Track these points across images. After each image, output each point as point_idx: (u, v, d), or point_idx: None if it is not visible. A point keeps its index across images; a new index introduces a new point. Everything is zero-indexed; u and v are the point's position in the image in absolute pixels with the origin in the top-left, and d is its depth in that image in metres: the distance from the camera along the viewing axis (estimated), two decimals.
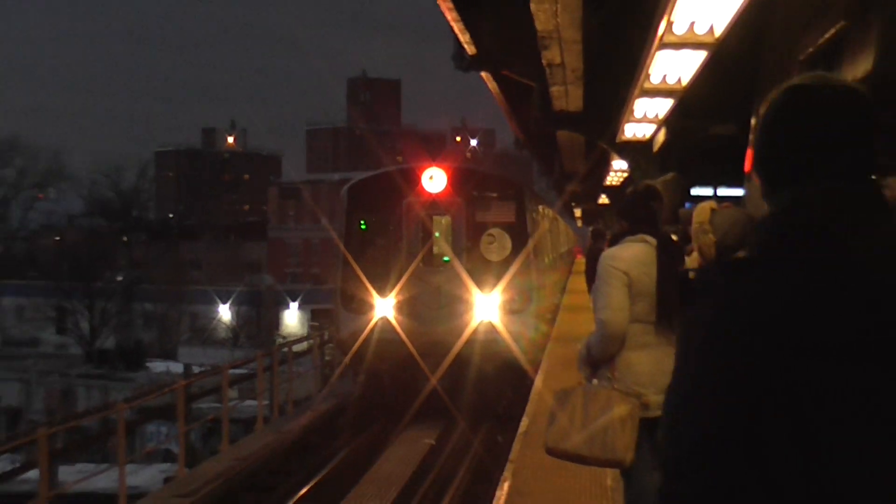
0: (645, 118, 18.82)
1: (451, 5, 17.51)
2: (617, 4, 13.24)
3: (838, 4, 10.48)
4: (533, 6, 13.38)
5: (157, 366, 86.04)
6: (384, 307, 28.52)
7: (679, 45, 11.57)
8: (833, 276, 3.31)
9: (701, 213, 9.52)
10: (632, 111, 18.04)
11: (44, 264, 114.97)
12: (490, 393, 28.53)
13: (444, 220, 30.21)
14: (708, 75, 13.28)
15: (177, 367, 77.93)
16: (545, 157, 41.10)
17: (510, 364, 27.98)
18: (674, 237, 10.88)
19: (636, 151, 25.43)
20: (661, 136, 20.65)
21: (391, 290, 28.57)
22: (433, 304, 28.94)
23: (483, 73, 26.21)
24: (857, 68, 10.00)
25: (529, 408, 18.61)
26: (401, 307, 28.73)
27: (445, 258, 29.93)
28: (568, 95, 22.79)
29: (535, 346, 29.66)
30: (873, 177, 3.51)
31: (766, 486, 3.10)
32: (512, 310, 28.93)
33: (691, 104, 15.97)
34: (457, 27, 20.32)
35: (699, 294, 3.55)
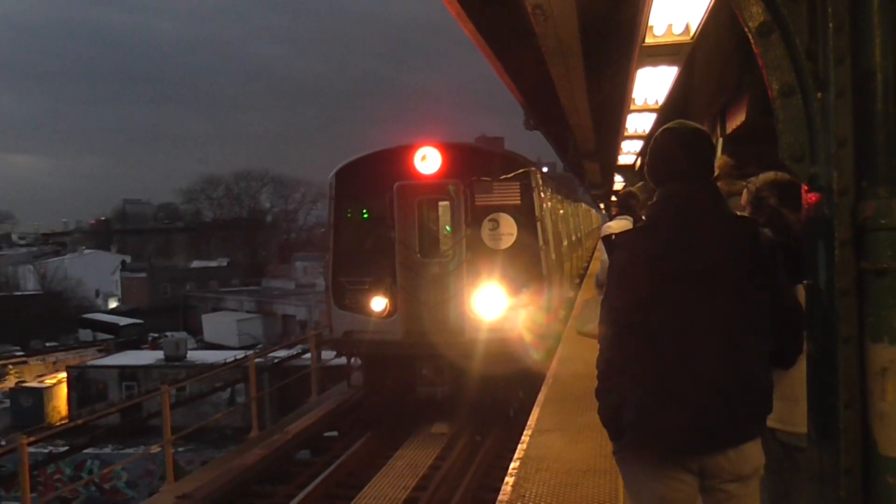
0: (629, 152, 18.66)
1: (522, 100, 17.44)
2: (605, 90, 13.06)
3: (726, 86, 10.30)
4: (559, 90, 13.27)
5: None
6: (378, 304, 15.92)
7: (641, 110, 11.46)
8: (678, 234, 3.55)
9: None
10: (621, 148, 17.85)
11: (316, 244, 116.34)
12: (498, 395, 15.64)
13: (441, 205, 16.63)
14: (659, 126, 13.09)
15: None
16: (579, 175, 40.37)
17: (519, 363, 15.12)
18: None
19: (626, 171, 25.08)
20: (638, 162, 20.33)
21: (385, 285, 15.91)
22: (431, 300, 15.85)
23: (540, 131, 25.79)
24: (737, 120, 9.87)
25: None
26: (396, 303, 15.88)
27: (443, 247, 16.45)
28: (586, 141, 22.51)
29: (547, 342, 15.78)
30: (711, 175, 3.95)
31: (642, 333, 3.67)
32: (520, 303, 15.45)
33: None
34: (524, 108, 20.27)
35: (615, 246, 3.96)
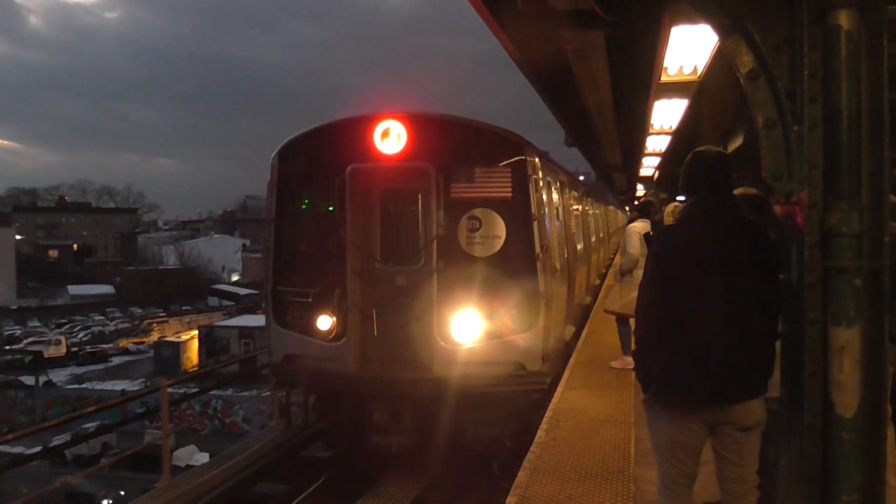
0: (648, 166, 18.46)
1: (565, 122, 17.31)
2: (630, 117, 12.92)
3: (727, 115, 10.17)
4: (592, 116, 13.18)
5: None
6: (324, 323, 9.39)
7: (658, 133, 11.34)
8: (703, 232, 3.78)
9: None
10: (642, 163, 17.68)
11: None
12: (477, 446, 9.02)
13: (407, 197, 9.55)
14: (673, 146, 12.95)
15: None
16: (609, 183, 39.93)
17: (506, 405, 8.97)
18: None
19: (646, 181, 24.80)
20: (656, 174, 20.10)
21: (334, 299, 9.27)
22: (391, 321, 9.37)
23: (577, 148, 25.61)
24: (736, 142, 9.77)
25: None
26: (346, 323, 9.24)
27: (411, 253, 9.40)
28: (614, 156, 22.28)
29: (544, 378, 9.11)
30: (730, 188, 4.01)
31: (670, 308, 3.73)
32: (508, 328, 8.96)
33: (667, 159, 15.54)
34: (566, 130, 20.02)
35: (654, 241, 3.90)
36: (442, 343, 8.91)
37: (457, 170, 9.07)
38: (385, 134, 9.14)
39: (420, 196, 9.29)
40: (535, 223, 8.98)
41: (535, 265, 8.92)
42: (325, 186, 9.49)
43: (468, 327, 8.93)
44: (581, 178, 29.76)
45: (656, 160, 16.23)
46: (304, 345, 9.49)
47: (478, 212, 9.03)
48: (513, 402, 8.96)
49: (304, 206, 9.88)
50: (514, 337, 8.90)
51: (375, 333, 9.40)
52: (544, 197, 9.60)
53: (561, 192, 11.80)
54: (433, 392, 8.84)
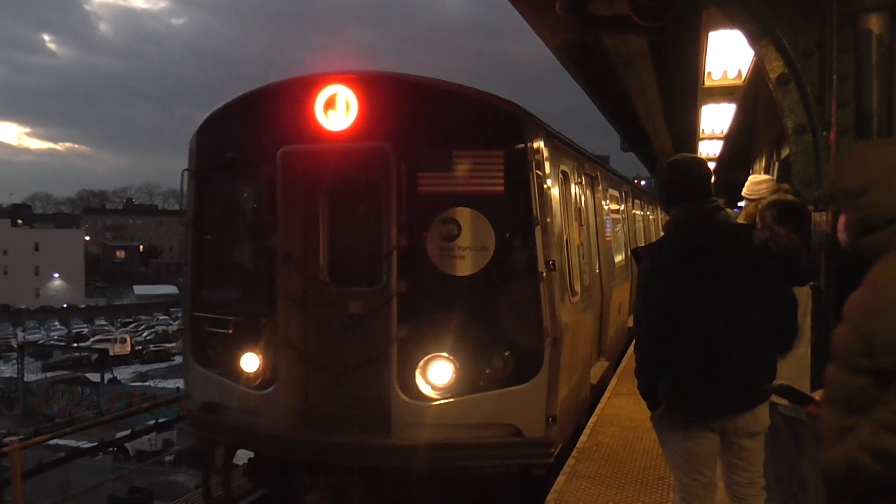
0: None
1: (618, 128, 17.24)
2: (679, 124, 12.80)
3: (778, 122, 9.99)
4: (643, 121, 13.08)
5: None
6: (249, 362, 6.48)
7: (709, 138, 11.20)
8: (689, 245, 3.76)
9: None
10: None
11: None
12: None
13: (363, 190, 6.65)
14: (726, 151, 12.78)
15: None
16: None
17: (495, 484, 6.18)
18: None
19: None
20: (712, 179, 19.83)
21: (267, 331, 6.33)
22: (337, 363, 6.45)
23: (633, 153, 25.28)
24: (788, 151, 9.60)
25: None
26: (283, 364, 6.35)
27: (369, 269, 6.53)
28: (667, 159, 22.05)
29: (547, 448, 6.08)
30: (712, 198, 3.90)
31: (672, 324, 3.65)
32: (498, 378, 5.96)
33: (722, 164, 15.32)
34: (620, 135, 19.93)
35: (642, 256, 4.02)
36: (403, 397, 6.28)
37: (427, 152, 6.36)
38: (329, 104, 6.53)
39: (380, 190, 6.61)
40: (538, 230, 6.21)
41: (537, 289, 6.15)
42: (255, 176, 7.02)
43: (441, 375, 6.26)
44: (643, 182, 28.98)
45: (711, 165, 16.02)
46: (226, 391, 6.92)
47: (456, 213, 6.32)
48: (503, 480, 6.44)
49: (252, 205, 7.31)
50: (505, 390, 6.21)
51: (316, 380, 6.80)
52: (555, 193, 6.76)
53: (590, 189, 9.13)
54: (390, 465, 6.35)
